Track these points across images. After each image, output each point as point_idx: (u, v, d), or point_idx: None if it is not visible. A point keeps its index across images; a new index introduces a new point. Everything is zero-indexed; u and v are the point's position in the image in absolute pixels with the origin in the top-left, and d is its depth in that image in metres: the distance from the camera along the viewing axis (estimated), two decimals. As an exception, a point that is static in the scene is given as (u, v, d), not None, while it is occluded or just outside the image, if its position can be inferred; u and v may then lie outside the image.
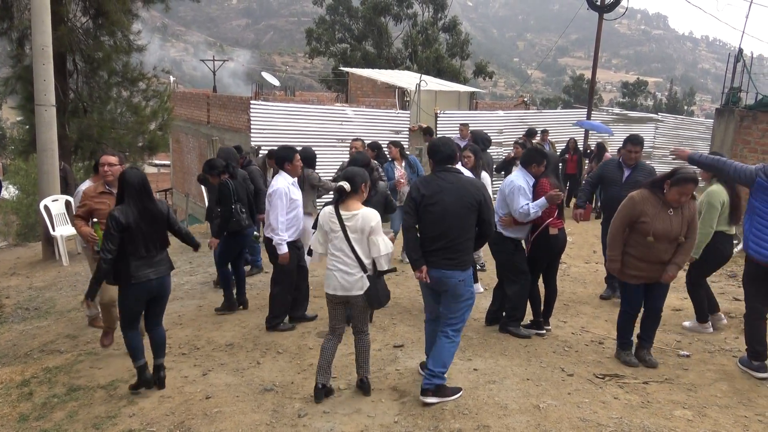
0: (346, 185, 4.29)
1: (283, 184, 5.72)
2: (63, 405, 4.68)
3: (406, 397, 4.49)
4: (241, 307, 6.76)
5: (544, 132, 13.57)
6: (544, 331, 5.86)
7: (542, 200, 5.43)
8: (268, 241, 5.85)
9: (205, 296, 7.38)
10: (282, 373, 5.06)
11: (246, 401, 4.54)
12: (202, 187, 9.88)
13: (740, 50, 11.42)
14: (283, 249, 5.74)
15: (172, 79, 22.86)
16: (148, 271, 4.56)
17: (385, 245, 4.30)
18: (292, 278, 5.98)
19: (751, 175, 4.80)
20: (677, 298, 7.02)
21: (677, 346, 5.57)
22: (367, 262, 4.30)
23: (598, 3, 16.61)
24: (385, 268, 4.34)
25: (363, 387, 4.56)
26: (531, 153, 5.73)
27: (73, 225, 5.34)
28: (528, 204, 5.45)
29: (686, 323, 6.14)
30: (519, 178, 5.60)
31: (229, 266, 6.76)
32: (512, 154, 10.48)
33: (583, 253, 9.74)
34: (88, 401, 4.69)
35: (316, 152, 7.37)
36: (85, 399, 4.74)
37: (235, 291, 6.75)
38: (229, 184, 6.50)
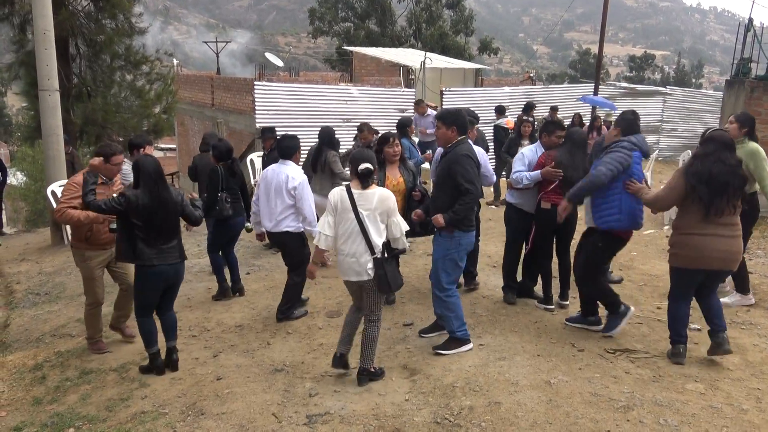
0: (371, 165, 4.25)
1: (303, 176, 5.63)
2: (76, 388, 4.71)
3: (417, 375, 4.49)
4: (237, 294, 6.58)
5: (554, 108, 13.42)
6: (552, 307, 5.85)
7: (537, 173, 5.61)
8: (286, 236, 5.65)
9: (214, 279, 7.39)
10: (292, 353, 5.07)
11: (257, 382, 4.55)
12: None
13: (750, 20, 11.22)
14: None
15: (175, 61, 22.70)
16: (158, 258, 4.56)
17: (404, 225, 4.34)
18: (304, 270, 5.84)
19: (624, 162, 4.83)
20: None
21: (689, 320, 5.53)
22: (377, 244, 4.23)
23: (605, -25, 16.33)
24: (403, 246, 4.36)
25: (359, 377, 4.44)
26: (544, 124, 6.02)
27: (60, 216, 5.01)
28: (521, 172, 5.69)
29: (727, 299, 5.87)
30: (530, 147, 5.89)
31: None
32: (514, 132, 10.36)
33: (582, 228, 9.67)
34: (101, 384, 4.72)
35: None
36: (97, 382, 4.77)
37: (229, 279, 6.62)
38: (219, 170, 6.34)
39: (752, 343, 4.98)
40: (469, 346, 4.87)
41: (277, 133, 8.32)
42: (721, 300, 5.81)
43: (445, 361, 4.67)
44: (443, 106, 15.12)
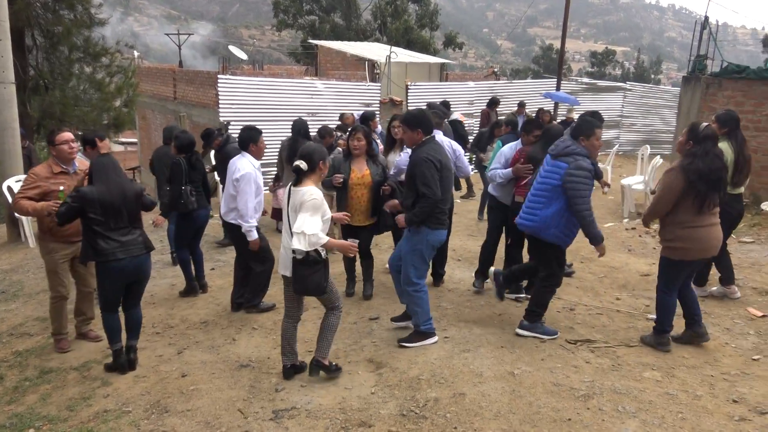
0: (303, 164, 4.15)
1: (251, 168, 5.53)
2: (35, 388, 4.61)
3: (383, 368, 4.53)
4: (201, 291, 6.51)
5: (521, 104, 13.58)
6: (523, 295, 6.00)
7: (509, 170, 5.87)
8: (234, 227, 5.67)
9: (177, 275, 7.29)
10: (258, 348, 5.06)
11: (222, 378, 4.53)
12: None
13: (706, 18, 11.55)
14: (254, 235, 5.55)
15: (136, 54, 22.26)
16: (122, 251, 4.48)
17: (308, 225, 3.98)
18: (267, 257, 5.83)
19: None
20: (645, 264, 7.17)
21: (646, 311, 5.70)
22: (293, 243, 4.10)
23: (567, -28, 16.57)
24: (297, 247, 4.00)
25: (310, 367, 4.40)
26: (525, 122, 6.26)
27: (16, 208, 4.90)
28: (497, 169, 5.94)
29: (713, 289, 6.06)
30: (510, 145, 6.12)
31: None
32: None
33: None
34: (61, 383, 4.64)
35: (286, 126, 7.31)
36: (57, 381, 4.68)
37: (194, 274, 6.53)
38: (182, 163, 6.24)
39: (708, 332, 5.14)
40: (434, 339, 4.92)
41: (228, 130, 8.34)
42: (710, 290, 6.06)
43: (411, 354, 4.72)
44: (408, 101, 15.18)
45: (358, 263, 6.23)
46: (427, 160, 4.63)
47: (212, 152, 8.64)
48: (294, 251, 4.07)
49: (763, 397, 3.97)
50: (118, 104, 12.82)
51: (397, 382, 4.29)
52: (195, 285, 6.47)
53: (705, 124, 4.72)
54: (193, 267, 6.48)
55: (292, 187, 4.24)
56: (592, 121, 4.98)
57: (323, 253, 4.16)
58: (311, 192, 4.09)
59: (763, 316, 5.49)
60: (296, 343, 4.51)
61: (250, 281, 5.87)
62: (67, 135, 5.05)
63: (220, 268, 7.44)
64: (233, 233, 5.75)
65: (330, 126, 8.12)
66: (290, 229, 4.18)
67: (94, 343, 5.30)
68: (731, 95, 9.78)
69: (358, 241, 4.45)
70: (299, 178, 4.19)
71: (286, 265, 4.25)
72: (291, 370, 4.48)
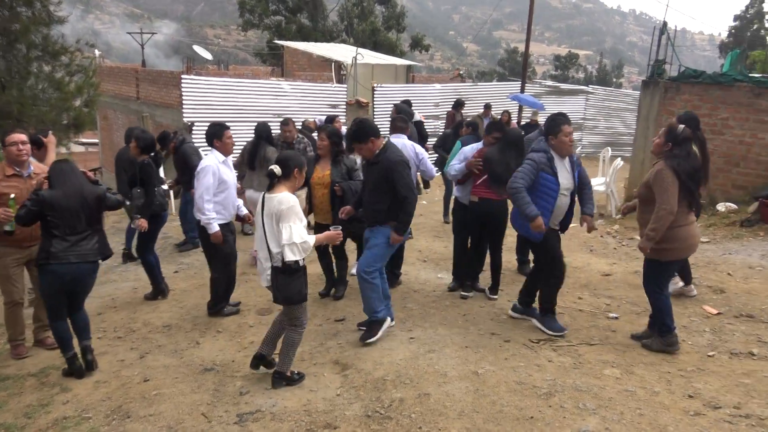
0: (277, 169, 4.12)
1: (213, 162, 5.49)
2: (-9, 395, 4.49)
3: (348, 370, 4.53)
4: (159, 297, 6.39)
5: (487, 106, 13.73)
6: (469, 294, 6.13)
7: (462, 165, 6.00)
8: (198, 225, 5.61)
9: (139, 278, 7.18)
10: (222, 352, 5.01)
11: (186, 382, 4.48)
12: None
13: (664, 23, 11.83)
14: (213, 227, 5.46)
15: (97, 53, 21.79)
16: (71, 254, 4.39)
17: (296, 234, 3.98)
18: (230, 261, 5.78)
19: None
20: (606, 263, 7.32)
21: (607, 309, 5.83)
22: (275, 251, 4.09)
23: (530, -24, 16.84)
24: (291, 258, 4.01)
25: (273, 379, 4.34)
26: (488, 124, 6.39)
27: None
28: (455, 165, 6.08)
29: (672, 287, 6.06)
30: (473, 146, 6.21)
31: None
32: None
33: (519, 223, 9.98)
34: (18, 390, 4.52)
35: (251, 127, 7.26)
36: (14, 388, 4.56)
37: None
38: (152, 164, 6.21)
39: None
40: (389, 321, 5.06)
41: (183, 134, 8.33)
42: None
43: (376, 355, 4.74)
44: (375, 103, 15.21)
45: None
46: (402, 163, 4.72)
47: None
48: (279, 261, 4.08)
49: (717, 392, 4.10)
50: (78, 104, 12.52)
51: (362, 383, 4.30)
52: (164, 288, 6.38)
53: (681, 126, 4.82)
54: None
55: (266, 194, 4.20)
56: (558, 118, 5.07)
57: (301, 261, 4.14)
58: (287, 199, 4.05)
59: (718, 313, 5.65)
60: (279, 339, 4.48)
61: (210, 287, 5.80)
62: (17, 136, 4.82)
63: (183, 270, 7.36)
64: (200, 231, 5.68)
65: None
66: (265, 237, 4.15)
67: (54, 350, 5.18)
68: (688, 99, 10.05)
69: (340, 227, 4.47)
70: (272, 183, 4.16)
71: (265, 276, 4.23)
72: (258, 360, 4.48)
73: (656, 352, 4.79)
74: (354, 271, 7.00)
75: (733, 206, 9.07)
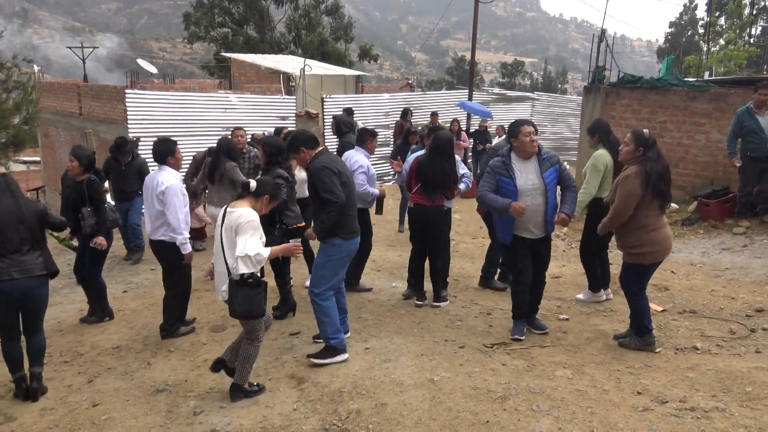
0: (252, 185, 4.17)
1: (175, 180, 5.42)
2: (-72, 429, 4.28)
3: (304, 384, 4.50)
4: (93, 317, 6.17)
5: (434, 114, 13.88)
6: (420, 303, 6.16)
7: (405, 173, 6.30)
8: (160, 245, 5.49)
9: (85, 299, 6.98)
10: (175, 371, 4.91)
11: (137, 405, 4.37)
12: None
13: (603, 31, 12.21)
14: (188, 248, 5.43)
15: (36, 68, 21.15)
16: (13, 270, 4.25)
17: (250, 246, 3.99)
18: (189, 277, 5.68)
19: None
20: (556, 266, 7.49)
21: (557, 311, 5.96)
22: (232, 265, 4.08)
23: (474, -14, 17.18)
24: (242, 271, 4.02)
25: (230, 392, 4.30)
26: (428, 130, 6.70)
27: None
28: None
29: (580, 296, 6.33)
30: (415, 153, 6.45)
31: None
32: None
33: (471, 230, 10.13)
34: (-42, 422, 4.32)
35: (199, 141, 7.15)
36: (-46, 420, 4.36)
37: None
38: (98, 180, 6.01)
39: (612, 329, 5.43)
40: (344, 356, 4.81)
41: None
42: (577, 297, 6.32)
43: (332, 367, 4.71)
44: (324, 113, 15.22)
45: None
46: (323, 168, 4.65)
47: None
48: (230, 273, 4.05)
49: (664, 387, 4.23)
50: (17, 121, 12.12)
51: (319, 397, 4.28)
52: (111, 311, 6.21)
53: (646, 130, 4.96)
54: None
55: (227, 208, 4.18)
56: (519, 120, 5.23)
57: (260, 275, 4.13)
58: (247, 214, 4.08)
59: (663, 310, 5.85)
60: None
61: (165, 307, 5.67)
62: None
63: (132, 290, 7.18)
64: (162, 251, 5.55)
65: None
66: (223, 250, 4.12)
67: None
68: (628, 104, 10.42)
69: (299, 240, 4.45)
70: (240, 195, 4.19)
71: (222, 289, 4.18)
72: (216, 364, 4.44)
73: (634, 350, 4.92)
74: (308, 282, 6.99)
75: (675, 206, 9.41)
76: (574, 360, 4.79)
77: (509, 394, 4.16)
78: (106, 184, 7.45)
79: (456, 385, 4.32)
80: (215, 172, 7.10)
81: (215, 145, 7.22)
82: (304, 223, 5.87)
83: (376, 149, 6.97)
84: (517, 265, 5.29)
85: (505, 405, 4.02)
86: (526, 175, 5.05)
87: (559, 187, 5.25)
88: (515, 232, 5.16)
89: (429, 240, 6.12)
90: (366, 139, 6.53)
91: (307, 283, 6.73)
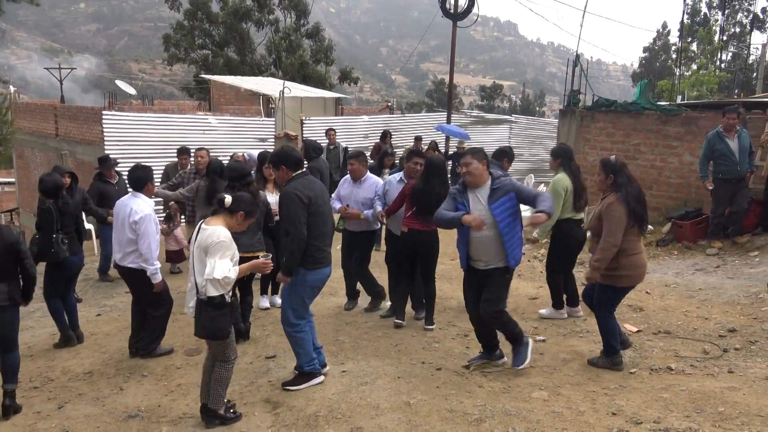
0: (228, 200, 4.14)
1: (149, 209, 5.37)
2: None
3: (280, 408, 4.45)
4: (77, 341, 6.06)
5: (418, 138, 14.01)
6: (401, 322, 6.17)
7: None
8: (129, 272, 5.44)
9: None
10: (147, 396, 4.82)
11: (108, 431, 4.27)
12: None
13: (577, 55, 12.47)
14: (159, 277, 5.39)
15: (12, 89, 20.97)
16: None
17: (218, 269, 3.94)
18: (168, 302, 5.62)
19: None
20: (533, 287, 7.53)
21: (534, 332, 5.97)
22: (200, 283, 4.06)
23: (452, 11, 17.46)
24: (213, 293, 4.00)
25: (204, 417, 4.25)
26: (407, 153, 6.64)
27: None
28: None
29: (543, 311, 6.51)
30: (396, 177, 6.45)
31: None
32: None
33: (449, 251, 10.13)
34: None
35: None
36: None
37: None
38: (52, 209, 5.83)
39: (589, 350, 5.46)
40: (320, 378, 4.79)
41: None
42: (540, 311, 6.42)
43: (308, 390, 4.67)
44: (304, 136, 15.24)
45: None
46: (292, 196, 4.48)
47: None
48: (203, 294, 4.02)
49: (638, 408, 4.25)
50: (-9, 142, 11.99)
51: (294, 421, 4.23)
52: (71, 335, 6.05)
53: (612, 156, 5.07)
54: (66, 317, 6.07)
55: (202, 224, 4.17)
56: (468, 149, 5.36)
57: (228, 297, 4.08)
58: (218, 233, 4.03)
59: (638, 331, 5.90)
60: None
61: (146, 327, 5.60)
62: None
63: (107, 313, 7.07)
64: (131, 278, 5.51)
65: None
66: (193, 267, 4.10)
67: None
68: (603, 126, 10.60)
69: (270, 254, 4.41)
70: (214, 212, 4.19)
71: (190, 305, 4.16)
72: (203, 409, 4.32)
73: (603, 368, 5.00)
74: (264, 303, 6.95)
75: (649, 227, 9.53)
76: (550, 381, 4.80)
77: (485, 416, 4.15)
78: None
79: (432, 407, 4.30)
80: (214, 195, 7.04)
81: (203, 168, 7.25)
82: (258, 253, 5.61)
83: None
84: (465, 297, 5.23)
85: (481, 428, 4.01)
86: (475, 206, 4.84)
87: (527, 206, 5.05)
88: (469, 261, 5.03)
89: (422, 263, 6.11)
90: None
91: (263, 304, 6.71)
